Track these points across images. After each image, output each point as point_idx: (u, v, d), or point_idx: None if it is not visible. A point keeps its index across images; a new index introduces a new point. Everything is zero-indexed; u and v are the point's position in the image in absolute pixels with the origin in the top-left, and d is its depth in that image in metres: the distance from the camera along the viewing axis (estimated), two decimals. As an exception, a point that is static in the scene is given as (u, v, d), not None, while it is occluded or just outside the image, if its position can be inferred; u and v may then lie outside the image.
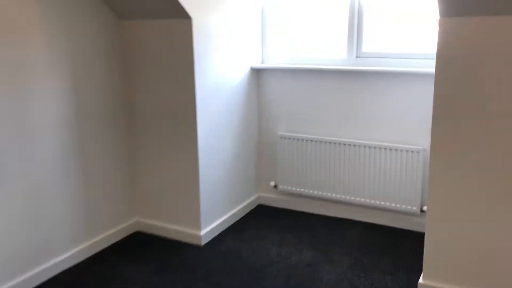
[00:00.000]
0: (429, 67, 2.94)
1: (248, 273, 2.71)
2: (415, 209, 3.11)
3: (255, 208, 3.64)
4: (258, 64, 3.46)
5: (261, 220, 3.42)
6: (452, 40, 2.13)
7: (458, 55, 2.13)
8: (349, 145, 3.25)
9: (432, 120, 2.25)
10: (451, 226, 2.30)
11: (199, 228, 3.06)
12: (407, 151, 3.06)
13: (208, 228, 3.12)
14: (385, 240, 3.08)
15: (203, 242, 3.07)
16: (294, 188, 3.50)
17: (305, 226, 3.31)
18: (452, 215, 2.29)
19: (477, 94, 2.13)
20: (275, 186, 3.61)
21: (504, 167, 2.13)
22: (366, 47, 3.18)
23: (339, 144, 3.28)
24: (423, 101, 3.00)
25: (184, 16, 2.74)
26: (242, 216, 3.49)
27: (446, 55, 2.16)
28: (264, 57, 3.52)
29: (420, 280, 2.44)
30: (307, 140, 3.38)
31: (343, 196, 3.34)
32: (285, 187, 3.53)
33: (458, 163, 2.22)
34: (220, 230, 3.24)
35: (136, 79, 3.04)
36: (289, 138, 3.44)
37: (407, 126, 3.09)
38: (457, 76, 2.15)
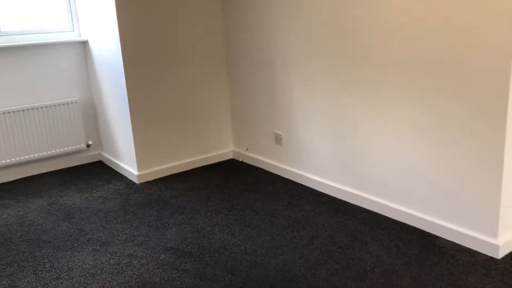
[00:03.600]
0: (58, 38, 3.90)
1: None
2: (83, 146, 4.10)
3: None
4: None
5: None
6: (127, 12, 3.37)
7: (132, 24, 3.40)
8: (12, 112, 3.73)
9: (123, 66, 3.44)
10: (145, 130, 3.64)
11: None
12: (66, 104, 3.95)
13: None
14: (79, 175, 3.92)
15: None
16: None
17: (9, 192, 3.59)
18: (145, 123, 3.62)
19: (145, 45, 3.50)
20: None
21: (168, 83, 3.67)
22: (5, 27, 3.68)
23: (2, 114, 3.68)
24: (63, 64, 3.94)
25: None
26: None
27: (125, 23, 3.37)
28: None
29: (136, 172, 3.66)
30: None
31: (15, 159, 3.81)
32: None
33: (144, 89, 3.56)
34: None
35: None
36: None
37: (58, 85, 3.94)
38: (134, 38, 3.43)
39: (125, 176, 3.83)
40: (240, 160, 4.07)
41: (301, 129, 3.39)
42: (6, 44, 3.64)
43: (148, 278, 2.37)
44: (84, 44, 4.00)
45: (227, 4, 3.78)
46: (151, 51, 3.55)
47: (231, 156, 4.17)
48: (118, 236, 2.83)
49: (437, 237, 2.63)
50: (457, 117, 2.43)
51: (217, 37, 3.87)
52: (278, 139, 3.63)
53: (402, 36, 2.58)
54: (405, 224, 2.80)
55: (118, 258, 2.57)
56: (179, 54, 3.69)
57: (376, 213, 2.96)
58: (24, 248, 2.74)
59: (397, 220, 2.85)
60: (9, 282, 2.40)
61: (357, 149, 3.01)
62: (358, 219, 2.90)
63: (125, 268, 2.47)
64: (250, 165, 3.97)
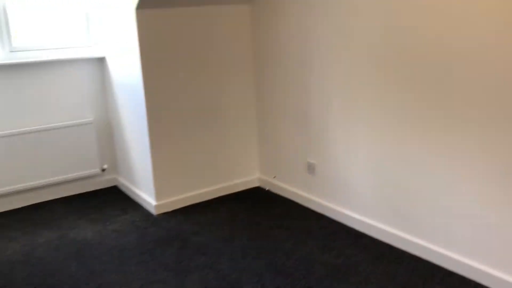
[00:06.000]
0: (73, 54, 3.61)
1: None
2: (98, 170, 3.79)
3: None
4: None
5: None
6: (148, 28, 3.06)
7: (153, 39, 3.10)
8: (23, 134, 3.44)
9: (143, 84, 3.13)
10: (165, 155, 3.32)
11: None
12: (79, 125, 3.65)
13: None
14: (92, 202, 3.61)
15: None
16: (-25, 194, 3.30)
17: (16, 221, 3.29)
18: (165, 148, 3.30)
19: (167, 62, 3.19)
20: None
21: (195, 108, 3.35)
22: (16, 42, 3.41)
23: (12, 136, 3.40)
24: (78, 82, 3.65)
25: None
26: None
27: (145, 39, 3.07)
28: None
29: (154, 202, 3.33)
30: (-24, 141, 3.27)
31: (24, 184, 3.51)
32: (-38, 197, 3.26)
33: (165, 109, 3.25)
34: None
35: None
36: (-45, 144, 3.19)
37: (72, 105, 3.65)
38: (155, 54, 3.12)
39: (142, 206, 3.50)
40: (266, 189, 3.72)
41: (339, 158, 3.03)
42: (17, 61, 3.37)
43: None
44: (101, 60, 3.71)
45: (257, 19, 3.46)
46: (173, 69, 3.24)
47: (256, 184, 3.81)
48: (132, 281, 2.49)
49: (506, 297, 2.24)
50: (534, 157, 2.05)
51: (245, 50, 3.55)
52: (311, 168, 3.26)
53: (470, 60, 2.22)
54: (464, 277, 2.41)
55: (132, 312, 2.23)
56: (203, 72, 3.37)
57: (428, 261, 2.57)
58: (27, 294, 2.42)
59: (454, 272, 2.45)
60: None
61: (407, 184, 2.63)
62: (408, 268, 2.51)
63: (140, 327, 2.13)
64: (278, 195, 3.61)
